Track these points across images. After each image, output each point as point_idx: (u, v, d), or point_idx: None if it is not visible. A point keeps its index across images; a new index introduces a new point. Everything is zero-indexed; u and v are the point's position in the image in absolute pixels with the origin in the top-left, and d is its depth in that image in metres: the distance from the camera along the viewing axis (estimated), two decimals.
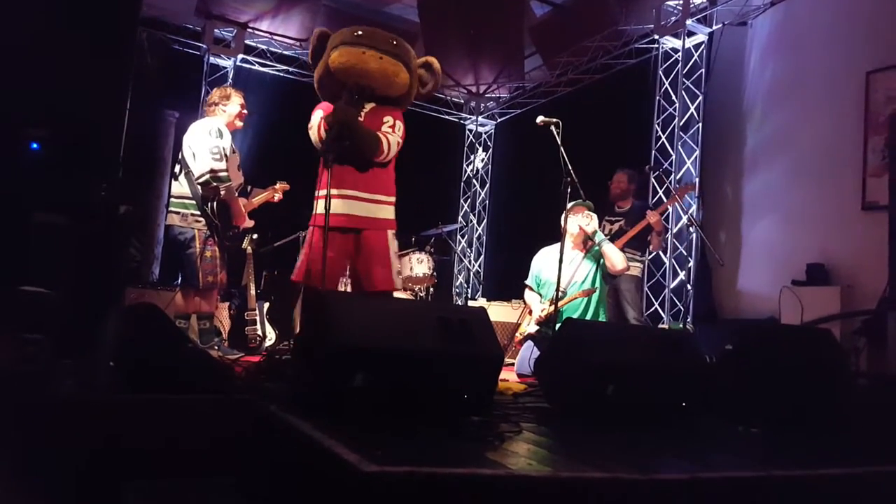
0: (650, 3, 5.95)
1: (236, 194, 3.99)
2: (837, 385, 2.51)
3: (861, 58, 4.66)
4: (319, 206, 3.06)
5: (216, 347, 4.08)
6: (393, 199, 3.18)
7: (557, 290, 3.60)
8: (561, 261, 3.52)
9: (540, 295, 4.23)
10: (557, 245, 4.02)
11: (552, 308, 3.82)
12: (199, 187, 3.81)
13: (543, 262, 4.20)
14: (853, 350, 3.43)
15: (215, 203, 3.83)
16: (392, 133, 3.06)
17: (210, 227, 3.86)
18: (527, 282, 4.35)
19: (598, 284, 4.03)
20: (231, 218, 3.96)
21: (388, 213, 3.16)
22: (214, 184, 3.77)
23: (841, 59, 4.80)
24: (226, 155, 3.84)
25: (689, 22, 5.47)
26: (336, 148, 2.97)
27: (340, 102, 2.96)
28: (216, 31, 6.69)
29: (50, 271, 2.20)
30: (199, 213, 3.85)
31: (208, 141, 3.79)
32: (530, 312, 4.28)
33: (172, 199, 3.96)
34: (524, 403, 2.49)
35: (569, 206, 3.96)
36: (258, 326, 4.51)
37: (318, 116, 3.10)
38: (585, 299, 3.98)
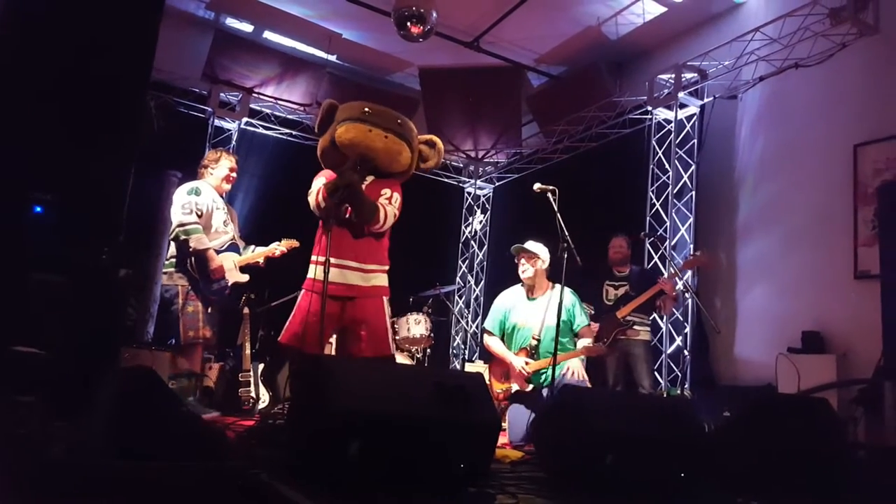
0: (643, 77, 6.17)
1: (209, 245, 4.01)
2: (836, 455, 2.49)
3: (848, 131, 4.80)
4: (312, 271, 3.11)
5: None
6: (386, 267, 3.25)
7: (555, 352, 3.60)
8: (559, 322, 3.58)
9: (503, 342, 4.19)
10: (519, 287, 4.27)
11: (537, 363, 3.95)
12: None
13: (511, 305, 4.22)
14: (851, 420, 3.40)
15: (193, 259, 3.92)
16: (389, 204, 3.14)
17: (191, 282, 3.93)
18: (486, 326, 4.31)
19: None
20: (209, 271, 3.99)
21: (383, 280, 3.22)
22: (183, 237, 3.90)
23: (829, 133, 4.94)
24: (200, 211, 3.97)
25: (680, 95, 5.65)
26: (337, 211, 3.03)
27: (345, 167, 3.03)
28: (222, 94, 6.85)
29: (46, 332, 2.19)
30: (181, 270, 3.94)
31: (182, 198, 3.98)
32: (500, 372, 4.20)
33: (165, 261, 4.05)
34: (521, 472, 2.45)
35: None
36: (252, 388, 4.45)
37: (319, 183, 3.17)
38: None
